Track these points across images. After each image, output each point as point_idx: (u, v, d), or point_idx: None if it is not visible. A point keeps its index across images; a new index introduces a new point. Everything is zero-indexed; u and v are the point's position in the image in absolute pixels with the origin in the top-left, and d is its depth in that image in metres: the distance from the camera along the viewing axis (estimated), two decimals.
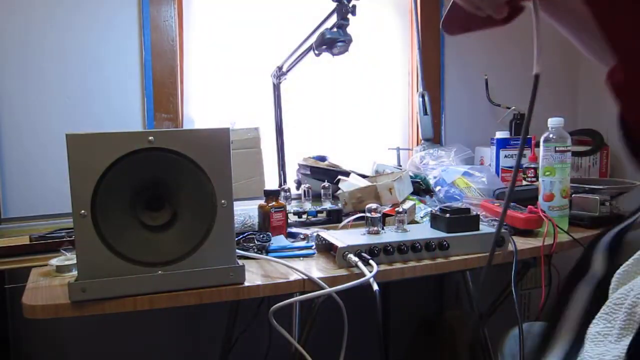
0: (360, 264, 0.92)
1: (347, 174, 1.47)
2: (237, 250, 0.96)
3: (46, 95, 1.50)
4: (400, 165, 1.81)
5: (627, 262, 0.48)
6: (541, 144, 1.23)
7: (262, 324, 1.03)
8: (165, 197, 0.86)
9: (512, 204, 1.26)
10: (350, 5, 1.31)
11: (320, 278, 0.90)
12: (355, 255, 0.95)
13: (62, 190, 1.37)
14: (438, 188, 1.48)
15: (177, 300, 0.85)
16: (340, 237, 1.03)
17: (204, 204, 0.86)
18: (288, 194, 1.36)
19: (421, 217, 1.32)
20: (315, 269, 0.96)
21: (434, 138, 1.86)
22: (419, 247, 1.01)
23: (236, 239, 0.97)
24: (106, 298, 0.81)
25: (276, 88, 1.58)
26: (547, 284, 1.80)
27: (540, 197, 1.24)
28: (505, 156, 1.67)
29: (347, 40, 1.32)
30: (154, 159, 0.83)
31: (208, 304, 0.87)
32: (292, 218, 1.30)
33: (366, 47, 1.87)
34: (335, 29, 1.32)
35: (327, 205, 1.34)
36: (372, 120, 1.94)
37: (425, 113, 1.82)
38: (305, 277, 0.91)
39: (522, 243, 1.12)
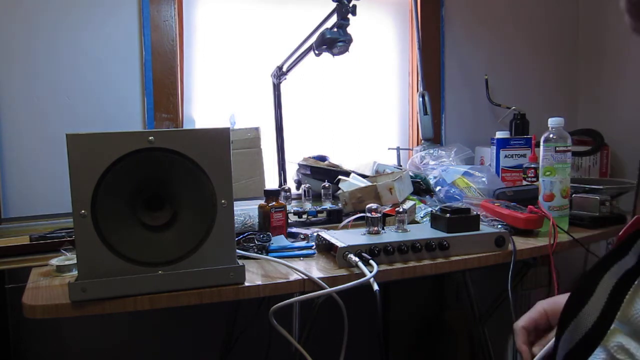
0: (360, 264, 0.92)
1: (347, 174, 1.47)
2: (237, 250, 0.96)
3: (46, 95, 1.50)
4: (401, 165, 1.81)
5: None
6: (541, 144, 1.23)
7: (262, 324, 1.03)
8: (166, 197, 0.86)
9: (512, 204, 1.26)
10: (351, 5, 1.31)
11: (321, 278, 0.90)
12: (355, 255, 0.95)
13: (62, 190, 1.38)
14: (438, 188, 1.47)
15: (177, 300, 0.85)
16: (340, 237, 1.03)
17: (204, 204, 0.86)
18: (288, 194, 1.36)
19: (421, 217, 1.32)
20: (316, 269, 0.96)
21: (434, 138, 1.86)
22: (419, 247, 1.01)
23: (236, 239, 0.96)
24: (106, 298, 0.81)
25: (276, 88, 1.58)
26: (547, 284, 1.80)
27: (540, 197, 1.24)
28: (506, 156, 1.67)
29: (347, 40, 1.32)
30: (154, 159, 0.83)
31: (208, 304, 0.87)
32: (292, 218, 1.30)
33: (366, 47, 1.87)
34: (335, 29, 1.32)
35: (327, 205, 1.34)
36: (372, 120, 1.94)
37: (425, 113, 1.82)
38: (305, 277, 0.91)
39: (522, 243, 1.12)
